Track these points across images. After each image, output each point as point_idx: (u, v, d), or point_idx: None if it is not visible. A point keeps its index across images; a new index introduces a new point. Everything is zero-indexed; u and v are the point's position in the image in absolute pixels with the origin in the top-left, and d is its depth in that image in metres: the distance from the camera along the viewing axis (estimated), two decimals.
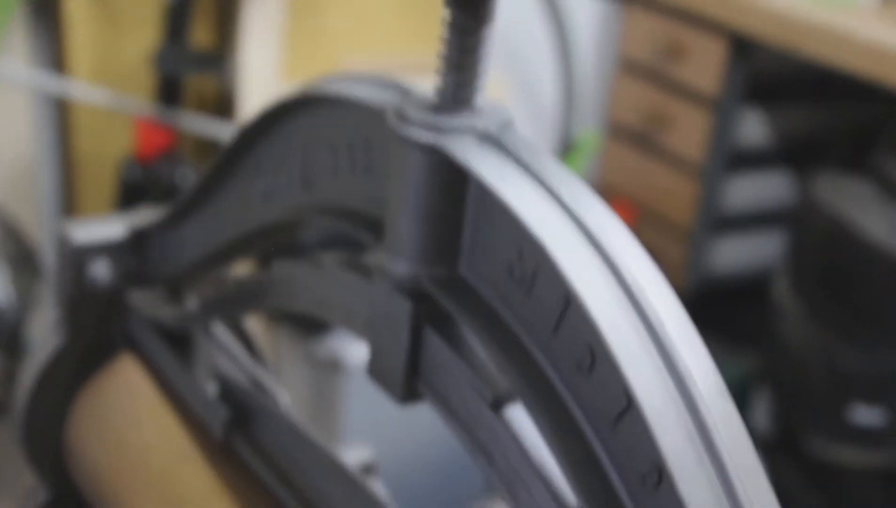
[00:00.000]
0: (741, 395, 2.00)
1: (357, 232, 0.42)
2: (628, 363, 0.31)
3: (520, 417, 0.36)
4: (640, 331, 0.32)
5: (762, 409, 1.96)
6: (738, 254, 2.07)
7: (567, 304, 0.34)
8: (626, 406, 0.32)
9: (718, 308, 2.08)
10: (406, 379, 0.40)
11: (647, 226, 2.07)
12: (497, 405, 0.37)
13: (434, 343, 0.39)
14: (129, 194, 1.42)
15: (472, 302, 0.37)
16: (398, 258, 0.38)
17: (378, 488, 0.75)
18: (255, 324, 1.33)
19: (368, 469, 0.77)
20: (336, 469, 0.50)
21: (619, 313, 0.32)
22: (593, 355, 0.33)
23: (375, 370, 0.41)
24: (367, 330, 0.41)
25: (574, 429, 0.34)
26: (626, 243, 0.34)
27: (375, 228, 0.41)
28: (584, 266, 0.33)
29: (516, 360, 0.35)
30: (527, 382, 0.35)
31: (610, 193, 2.15)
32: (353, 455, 0.78)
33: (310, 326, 1.39)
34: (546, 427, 0.34)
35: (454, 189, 0.37)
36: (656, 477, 0.31)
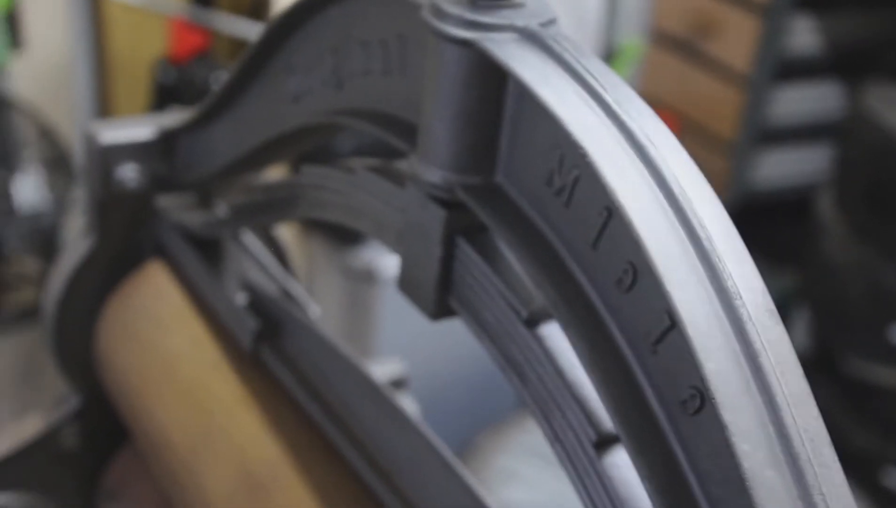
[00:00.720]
0: (781, 313, 1.97)
1: (391, 138, 0.40)
2: (672, 281, 0.29)
3: (555, 335, 0.35)
4: (686, 246, 0.30)
5: (801, 327, 1.94)
6: (782, 168, 2.03)
7: (609, 216, 0.32)
8: (669, 326, 0.30)
9: (760, 224, 2.04)
10: (438, 294, 0.38)
11: (689, 138, 2.02)
12: (532, 321, 0.35)
13: (467, 256, 0.37)
14: (163, 97, 1.40)
15: (509, 213, 0.35)
16: (431, 165, 0.36)
17: (407, 402, 0.75)
18: (287, 234, 1.32)
19: (398, 383, 0.76)
20: (364, 383, 0.49)
21: (664, 226, 0.30)
22: (635, 271, 0.31)
23: (406, 283, 0.39)
24: (398, 241, 0.40)
25: (612, 349, 0.32)
26: (674, 153, 0.32)
27: (410, 133, 0.39)
28: (629, 176, 0.31)
29: (553, 275, 0.34)
30: (564, 298, 0.33)
31: (652, 103, 2.11)
32: (383, 369, 0.77)
33: (344, 236, 1.38)
34: (582, 347, 0.33)
35: (492, 90, 0.34)
36: (698, 402, 0.30)
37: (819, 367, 1.85)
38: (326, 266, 1.42)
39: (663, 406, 0.31)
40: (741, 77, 1.91)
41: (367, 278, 1.40)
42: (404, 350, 1.37)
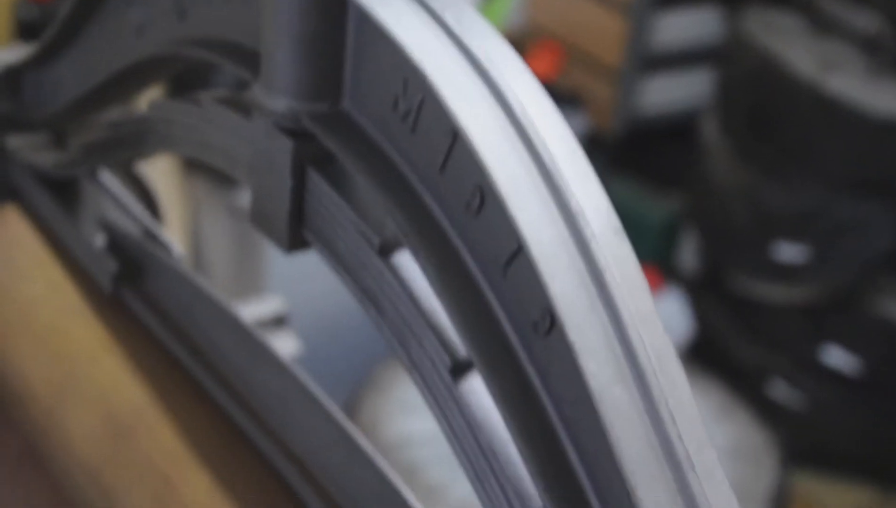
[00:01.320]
0: (669, 235, 2.01)
1: (237, 67, 0.39)
2: (516, 203, 0.29)
3: (408, 263, 0.34)
4: (530, 168, 0.30)
5: (689, 249, 1.98)
6: (667, 94, 2.05)
7: (454, 140, 0.31)
8: (517, 249, 0.30)
9: (648, 149, 2.07)
10: (291, 226, 0.37)
11: (575, 67, 2.03)
12: (385, 250, 0.34)
13: (318, 186, 0.36)
14: (25, 35, 1.34)
15: (356, 140, 0.34)
16: (275, 94, 0.35)
17: (289, 340, 0.74)
18: (169, 175, 1.29)
19: (280, 320, 0.75)
20: (232, 324, 0.48)
21: (507, 148, 0.30)
22: (482, 194, 0.31)
23: (259, 217, 0.38)
24: (248, 174, 0.39)
25: (463, 274, 0.32)
26: (518, 75, 0.31)
27: (255, 62, 0.38)
28: (472, 98, 0.31)
29: (403, 201, 0.33)
30: (413, 225, 0.33)
31: (538, 33, 2.11)
32: (264, 307, 0.76)
33: (228, 176, 1.35)
34: (433, 273, 0.32)
35: (332, 14, 0.33)
36: (548, 324, 0.30)
37: (707, 286, 1.90)
38: (211, 207, 1.39)
39: (516, 330, 0.31)
40: (623, 4, 1.92)
41: None
42: (295, 289, 1.36)
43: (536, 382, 0.30)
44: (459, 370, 0.33)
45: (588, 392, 0.28)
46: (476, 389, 0.33)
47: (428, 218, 0.33)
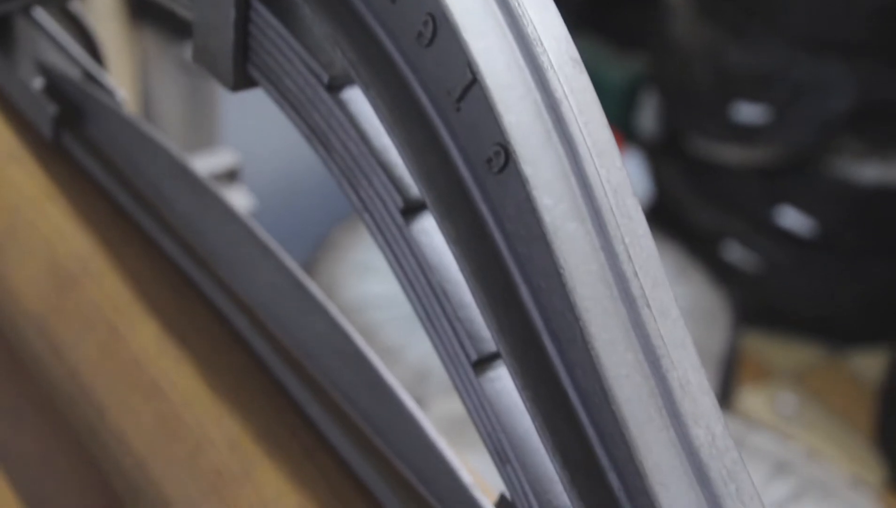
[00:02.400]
0: (630, 98, 1.99)
1: None
2: (470, 29, 0.28)
3: (358, 99, 0.33)
4: None
5: (649, 112, 1.97)
6: None
7: None
8: (471, 81, 0.28)
9: (611, 9, 2.03)
10: (235, 62, 0.35)
11: None
12: (333, 86, 0.33)
13: (263, 18, 0.34)
14: None
15: None
16: None
17: (240, 195, 0.72)
18: (110, 21, 1.24)
19: (232, 174, 0.73)
20: (180, 171, 0.46)
21: None
22: (434, 23, 0.29)
23: (202, 53, 0.36)
24: (191, 6, 0.37)
25: (415, 110, 0.30)
26: None
27: None
28: None
29: (352, 33, 0.31)
30: (363, 58, 0.31)
31: None
32: (216, 160, 0.74)
33: (178, 28, 1.31)
34: (384, 108, 0.31)
35: None
36: (502, 160, 0.28)
37: (666, 149, 1.89)
38: (161, 60, 1.35)
39: (469, 167, 0.30)
40: None
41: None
42: (249, 148, 1.33)
43: (490, 221, 0.30)
44: (411, 210, 0.32)
45: (542, 229, 0.27)
46: (428, 229, 0.32)
47: (378, 50, 0.31)
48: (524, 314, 0.29)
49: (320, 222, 1.66)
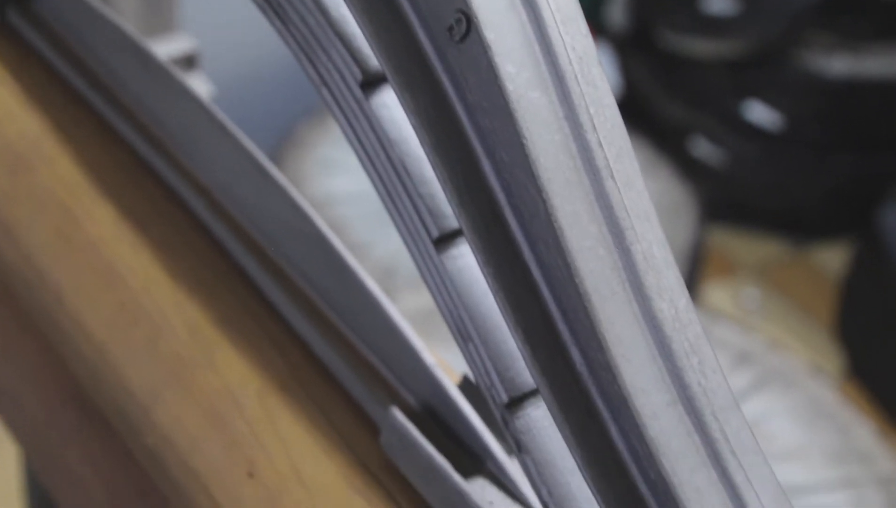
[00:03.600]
0: None
1: None
2: None
3: None
4: None
5: (618, 5, 1.94)
6: None
7: None
8: None
9: None
10: None
11: None
12: None
13: None
14: None
15: None
16: None
17: (199, 82, 0.70)
18: None
19: (190, 60, 0.71)
20: (135, 50, 0.44)
21: None
22: None
23: None
24: None
25: None
26: None
27: None
28: None
29: None
30: None
31: None
32: (173, 46, 0.72)
33: None
34: None
35: None
36: (464, 28, 0.27)
37: (635, 43, 1.87)
38: None
39: (429, 36, 0.29)
40: None
41: None
42: (210, 30, 1.30)
43: (451, 92, 0.29)
44: (370, 83, 0.31)
45: (504, 99, 0.26)
46: (388, 102, 0.31)
47: None
48: (486, 189, 0.28)
49: (285, 113, 1.63)
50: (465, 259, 0.31)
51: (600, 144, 0.26)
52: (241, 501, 0.36)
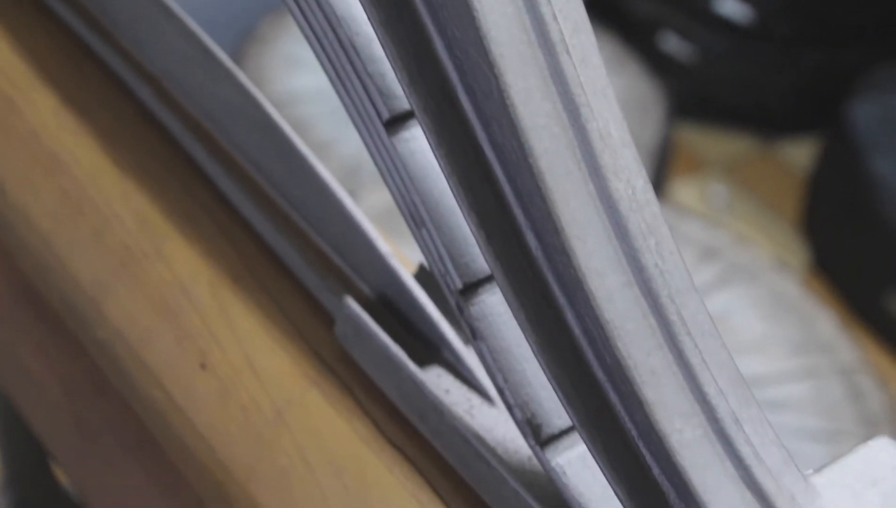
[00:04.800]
0: None
1: None
2: None
3: None
4: None
5: None
6: None
7: None
8: None
9: None
10: None
11: None
12: None
13: None
14: None
15: None
16: None
17: None
18: None
19: None
20: None
21: None
22: None
23: None
24: None
25: None
26: None
27: None
28: None
29: None
30: None
31: None
32: None
33: None
34: None
35: None
36: None
37: None
38: None
39: None
40: None
41: None
42: None
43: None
44: None
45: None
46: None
47: None
48: (438, 68, 0.27)
49: (246, 11, 1.60)
50: (417, 142, 0.30)
51: (555, 18, 0.25)
52: (194, 393, 0.36)
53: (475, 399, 0.33)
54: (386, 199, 1.15)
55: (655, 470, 0.26)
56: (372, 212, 1.19)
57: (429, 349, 0.34)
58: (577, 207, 0.26)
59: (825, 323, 1.04)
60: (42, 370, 0.45)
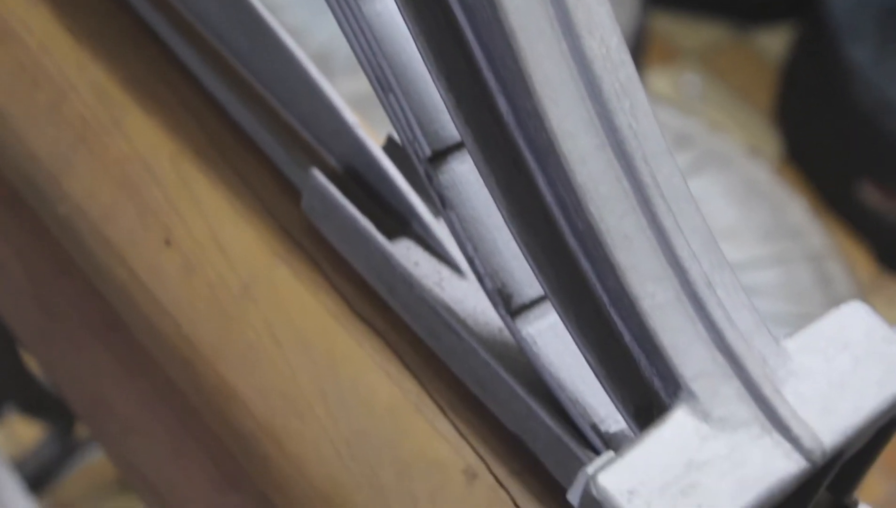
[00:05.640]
0: None
1: None
2: None
3: None
4: None
5: None
6: None
7: None
8: None
9: None
10: None
11: None
12: None
13: None
14: None
15: None
16: None
17: None
18: None
19: None
20: None
21: None
22: None
23: None
24: None
25: None
26: None
27: None
28: None
29: None
30: None
31: None
32: None
33: None
34: None
35: None
36: None
37: None
38: None
39: None
40: None
41: None
42: None
43: None
44: None
45: None
46: None
47: None
48: None
49: None
50: (383, 2, 0.29)
51: None
52: (159, 269, 0.35)
53: (445, 272, 0.33)
54: (360, 86, 1.13)
55: (627, 337, 0.26)
56: (346, 100, 1.17)
57: (398, 222, 0.33)
58: (549, 66, 0.25)
59: (796, 210, 1.04)
60: (3, 252, 0.44)
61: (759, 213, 1.03)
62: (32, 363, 0.79)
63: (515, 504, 0.30)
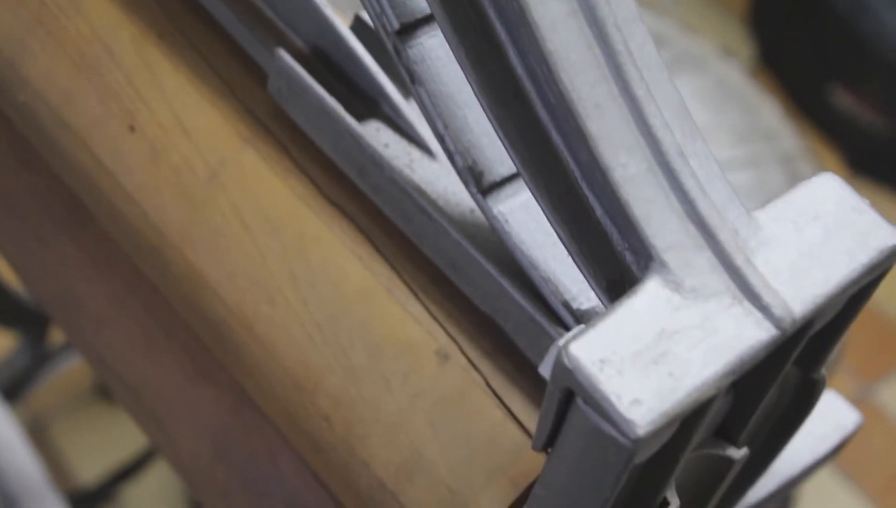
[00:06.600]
0: None
1: None
2: None
3: None
4: None
5: None
6: None
7: None
8: None
9: None
10: None
11: None
12: None
13: None
14: None
15: None
16: None
17: None
18: None
19: None
20: None
21: None
22: None
23: None
24: None
25: None
26: None
27: None
28: None
29: None
30: None
31: None
32: None
33: None
34: None
35: None
36: None
37: None
38: None
39: None
40: None
41: None
42: None
43: None
44: None
45: None
46: None
47: None
48: None
49: None
50: None
51: None
52: (123, 155, 0.34)
53: (416, 154, 0.32)
54: None
55: (598, 211, 0.25)
56: None
57: (367, 104, 0.33)
58: None
59: (769, 112, 1.04)
60: None
61: (732, 114, 1.02)
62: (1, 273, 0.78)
63: (488, 384, 0.30)
